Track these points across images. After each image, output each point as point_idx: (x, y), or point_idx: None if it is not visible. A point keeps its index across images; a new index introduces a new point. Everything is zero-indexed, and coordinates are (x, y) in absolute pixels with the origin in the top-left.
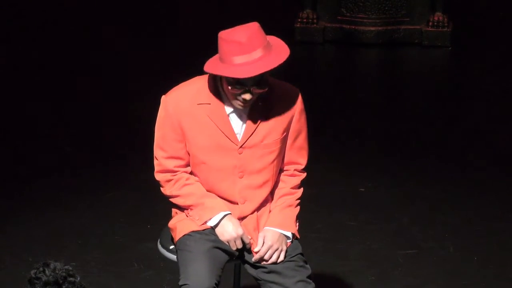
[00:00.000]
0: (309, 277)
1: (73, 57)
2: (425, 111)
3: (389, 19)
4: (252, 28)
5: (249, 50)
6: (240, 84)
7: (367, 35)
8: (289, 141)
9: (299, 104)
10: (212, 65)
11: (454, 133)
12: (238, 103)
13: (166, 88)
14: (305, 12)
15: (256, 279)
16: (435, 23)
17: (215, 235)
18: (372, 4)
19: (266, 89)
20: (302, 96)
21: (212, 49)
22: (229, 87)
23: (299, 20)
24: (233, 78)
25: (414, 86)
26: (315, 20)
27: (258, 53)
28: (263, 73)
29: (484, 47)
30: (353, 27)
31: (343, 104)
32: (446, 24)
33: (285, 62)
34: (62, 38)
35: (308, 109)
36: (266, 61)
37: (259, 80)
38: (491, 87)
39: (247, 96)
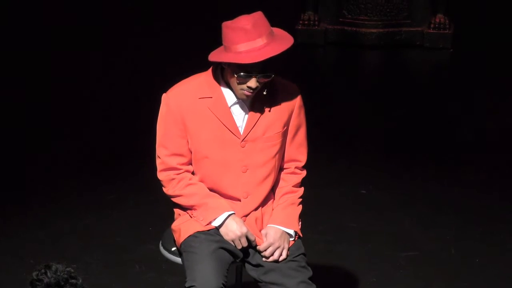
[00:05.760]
0: (310, 278)
1: (72, 58)
2: (426, 113)
3: (390, 21)
4: (257, 16)
5: (254, 37)
6: (246, 72)
7: (368, 37)
8: (289, 137)
9: (298, 99)
10: (216, 55)
11: (456, 134)
12: (243, 93)
13: (166, 87)
14: (306, 14)
15: (257, 281)
16: (437, 25)
17: (220, 235)
18: (373, 6)
19: (271, 77)
20: (301, 92)
21: (211, 49)
22: (235, 76)
23: (301, 22)
24: (238, 67)
25: (416, 88)
26: (316, 22)
27: (263, 40)
28: (268, 61)
29: (485, 49)
30: (355, 29)
31: (344, 105)
32: (447, 26)
33: (289, 49)
34: (59, 38)
35: (310, 110)
36: (271, 47)
37: (264, 68)
38: (492, 89)
39: (253, 84)
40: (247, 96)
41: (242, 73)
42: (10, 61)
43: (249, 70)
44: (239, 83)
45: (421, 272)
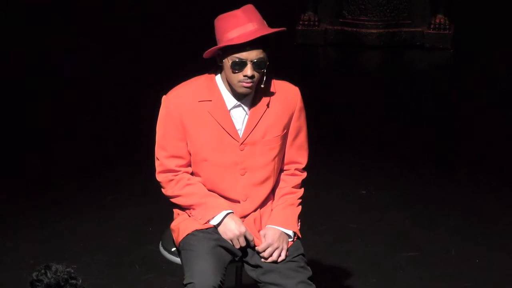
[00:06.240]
0: (310, 278)
1: (73, 58)
2: (427, 113)
3: (390, 22)
4: (247, 6)
5: (245, 22)
6: (241, 60)
7: (368, 38)
8: (289, 139)
9: (299, 102)
10: (209, 50)
11: (456, 135)
12: (242, 85)
13: (166, 88)
14: (306, 14)
15: (257, 281)
16: (437, 26)
17: (218, 234)
18: (373, 7)
19: (267, 65)
20: (302, 95)
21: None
22: (231, 70)
23: (301, 22)
24: (232, 54)
25: (416, 88)
26: (316, 23)
27: (253, 25)
28: (262, 47)
29: (486, 49)
30: (355, 29)
31: (345, 106)
32: (447, 27)
33: (281, 33)
34: (60, 38)
35: (309, 111)
36: (261, 30)
37: (258, 55)
38: (493, 89)
39: (249, 71)
40: (246, 87)
41: (237, 59)
42: (9, 61)
43: (243, 57)
44: (235, 73)
45: (421, 272)
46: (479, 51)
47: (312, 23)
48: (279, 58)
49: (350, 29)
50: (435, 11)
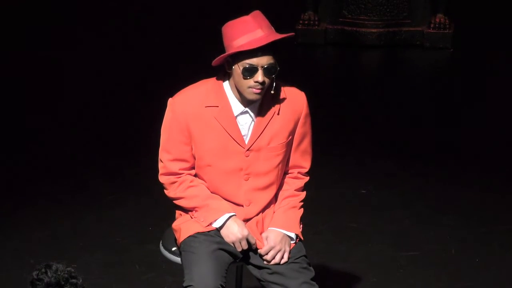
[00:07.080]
0: (312, 279)
1: (76, 58)
2: (427, 113)
3: (390, 21)
4: (255, 12)
5: (254, 28)
6: (252, 66)
7: (368, 37)
8: (293, 145)
9: (304, 108)
10: (218, 57)
11: (455, 134)
12: (252, 91)
13: (172, 90)
14: (306, 14)
15: (260, 280)
16: (437, 25)
17: (220, 236)
18: (373, 6)
19: (277, 71)
20: (308, 100)
21: (213, 52)
22: (241, 76)
23: (301, 22)
24: (243, 61)
25: (416, 88)
26: (316, 22)
27: (263, 31)
28: (272, 53)
29: (485, 48)
30: (355, 29)
31: (345, 106)
32: (447, 26)
33: (289, 39)
34: (61, 38)
35: (310, 111)
36: (271, 36)
37: (269, 61)
38: (492, 89)
39: (260, 77)
40: (256, 93)
41: (247, 65)
42: (10, 61)
43: (254, 63)
44: (245, 79)
45: (421, 272)
46: (479, 51)
47: (312, 22)
48: (279, 58)
49: (350, 28)
50: (435, 10)
